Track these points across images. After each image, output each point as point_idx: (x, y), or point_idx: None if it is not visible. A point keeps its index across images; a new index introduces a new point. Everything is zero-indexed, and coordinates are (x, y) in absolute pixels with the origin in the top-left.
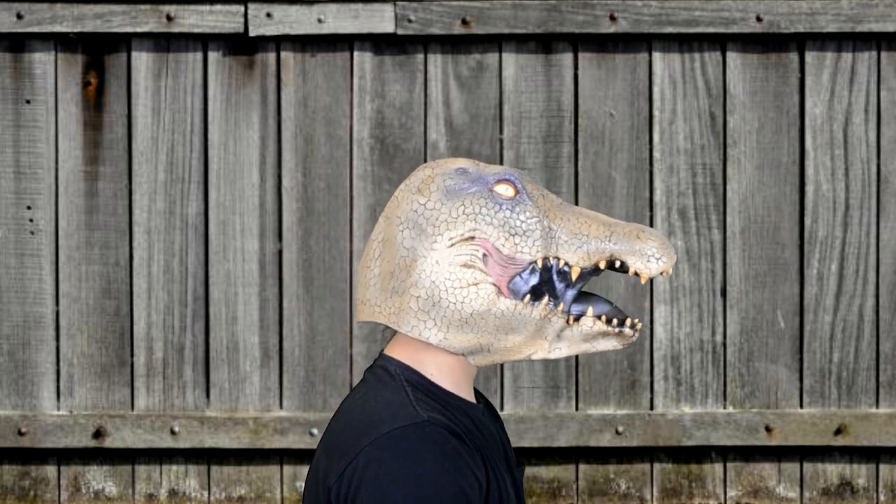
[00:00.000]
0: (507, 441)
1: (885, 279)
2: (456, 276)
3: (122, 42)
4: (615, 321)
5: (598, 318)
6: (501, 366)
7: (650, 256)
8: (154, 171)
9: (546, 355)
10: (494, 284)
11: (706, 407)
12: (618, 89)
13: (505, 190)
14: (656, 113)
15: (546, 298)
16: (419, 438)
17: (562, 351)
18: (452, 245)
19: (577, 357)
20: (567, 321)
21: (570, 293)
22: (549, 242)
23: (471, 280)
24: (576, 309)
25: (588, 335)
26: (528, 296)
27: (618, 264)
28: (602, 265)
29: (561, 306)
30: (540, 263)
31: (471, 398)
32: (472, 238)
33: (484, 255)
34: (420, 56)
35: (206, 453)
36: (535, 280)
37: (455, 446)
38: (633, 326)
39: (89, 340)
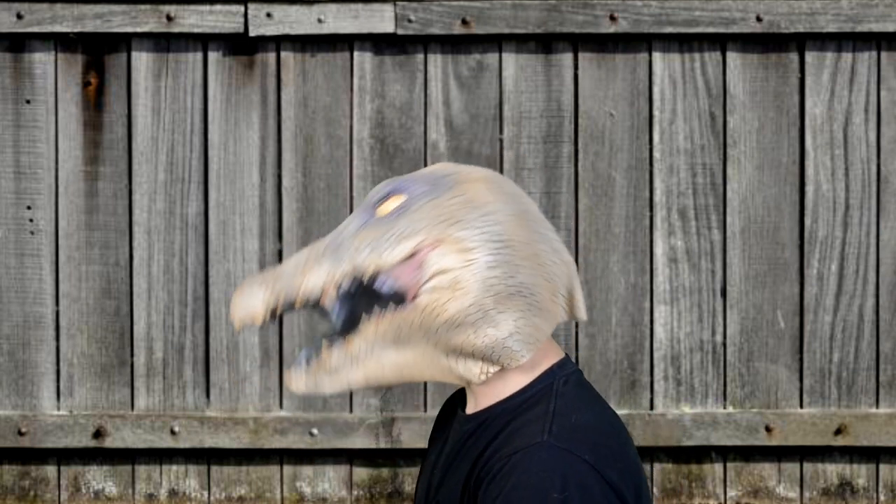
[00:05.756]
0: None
1: (885, 279)
2: None
3: (122, 42)
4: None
5: None
6: None
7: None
8: (154, 171)
9: None
10: None
11: (706, 407)
12: (618, 89)
13: None
14: (656, 113)
15: None
16: None
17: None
18: None
19: (577, 357)
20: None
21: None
22: None
23: None
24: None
25: None
26: None
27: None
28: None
29: None
30: None
31: (466, 407)
32: None
33: None
34: (420, 56)
35: (206, 453)
36: None
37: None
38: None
39: (89, 340)
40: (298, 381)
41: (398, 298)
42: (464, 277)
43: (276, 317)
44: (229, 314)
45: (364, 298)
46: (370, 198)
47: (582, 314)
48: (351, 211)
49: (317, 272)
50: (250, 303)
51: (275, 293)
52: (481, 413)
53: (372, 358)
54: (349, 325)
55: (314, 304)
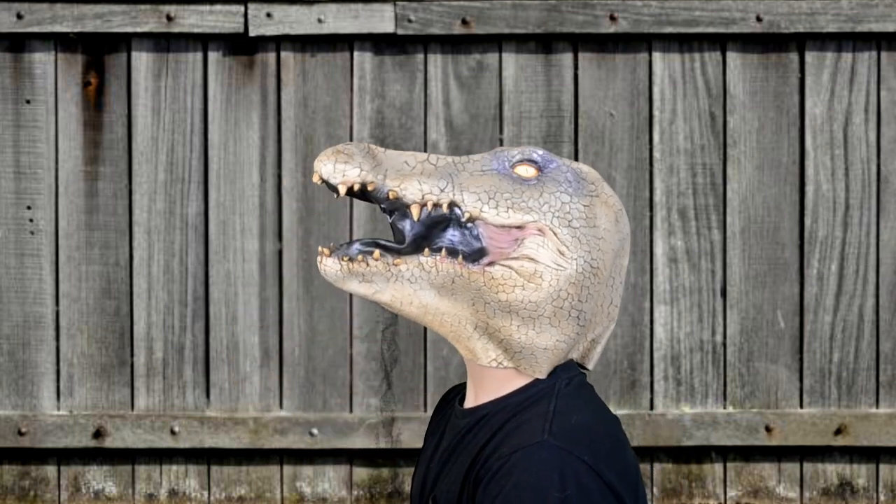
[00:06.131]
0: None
1: (885, 279)
2: None
3: (122, 42)
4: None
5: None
6: None
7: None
8: (154, 171)
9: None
10: None
11: (706, 407)
12: (618, 89)
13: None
14: (656, 113)
15: None
16: None
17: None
18: None
19: None
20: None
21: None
22: None
23: None
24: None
25: None
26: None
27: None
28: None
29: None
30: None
31: (465, 401)
32: None
33: None
34: (420, 56)
35: (206, 453)
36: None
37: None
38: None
39: (89, 340)
40: (332, 265)
41: (475, 254)
42: (545, 276)
43: (364, 195)
44: (315, 162)
45: (443, 233)
46: (511, 152)
47: (590, 365)
48: (351, 212)
49: (421, 184)
50: (342, 170)
51: (369, 178)
52: (480, 408)
53: (409, 287)
54: (411, 247)
55: (398, 208)
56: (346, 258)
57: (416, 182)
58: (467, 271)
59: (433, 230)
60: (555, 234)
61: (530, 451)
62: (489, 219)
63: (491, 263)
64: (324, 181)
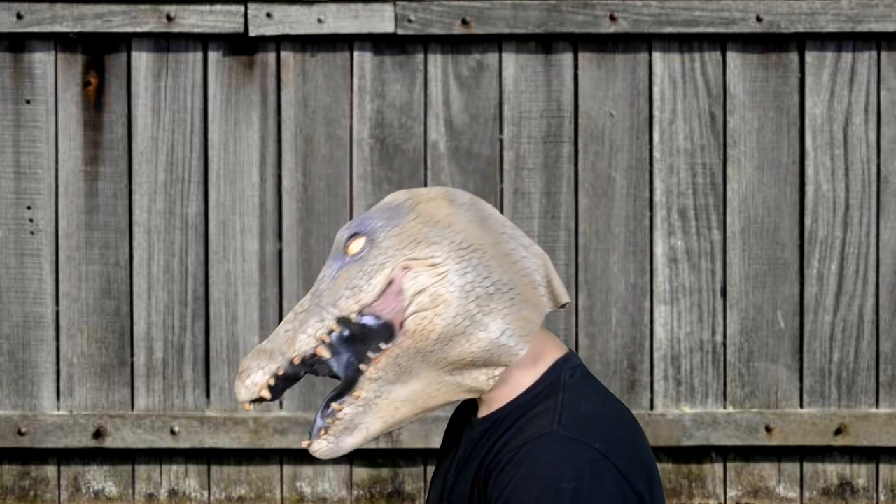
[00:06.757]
0: (472, 462)
1: (885, 279)
2: None
3: (122, 42)
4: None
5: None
6: None
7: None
8: (154, 171)
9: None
10: None
11: (706, 407)
12: (618, 89)
13: None
14: (656, 113)
15: None
16: None
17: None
18: None
19: None
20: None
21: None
22: None
23: None
24: None
25: None
26: None
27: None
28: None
29: None
30: None
31: (478, 412)
32: None
33: None
34: (420, 56)
35: (206, 453)
36: None
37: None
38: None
39: (89, 340)
40: (320, 446)
41: (388, 332)
42: (440, 291)
43: (286, 382)
44: (237, 399)
45: (358, 346)
46: (338, 242)
47: (564, 298)
48: (350, 211)
49: (305, 331)
50: (252, 383)
51: (272, 368)
52: (493, 414)
53: (383, 400)
54: (353, 375)
55: (312, 360)
56: (322, 432)
57: (302, 335)
58: (396, 348)
59: (351, 349)
60: (415, 260)
61: (540, 442)
62: (367, 299)
63: (401, 324)
64: (252, 402)
